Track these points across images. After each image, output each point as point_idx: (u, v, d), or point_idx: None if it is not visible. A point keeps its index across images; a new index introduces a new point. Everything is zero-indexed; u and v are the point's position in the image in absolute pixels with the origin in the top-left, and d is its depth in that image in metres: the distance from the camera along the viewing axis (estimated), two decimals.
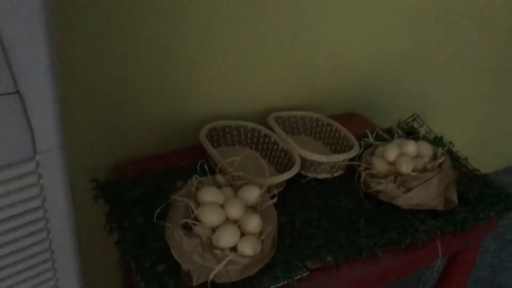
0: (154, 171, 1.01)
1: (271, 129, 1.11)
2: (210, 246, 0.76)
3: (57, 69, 0.48)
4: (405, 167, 0.97)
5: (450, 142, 1.19)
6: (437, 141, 1.18)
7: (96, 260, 1.15)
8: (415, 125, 1.26)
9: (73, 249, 0.59)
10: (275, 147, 1.08)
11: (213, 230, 0.79)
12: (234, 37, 1.08)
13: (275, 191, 0.97)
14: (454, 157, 1.18)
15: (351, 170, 1.07)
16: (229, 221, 0.80)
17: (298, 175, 1.03)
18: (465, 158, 1.19)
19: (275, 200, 0.87)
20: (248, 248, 0.76)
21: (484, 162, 1.38)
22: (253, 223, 0.79)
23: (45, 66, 0.45)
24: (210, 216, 0.78)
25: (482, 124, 1.91)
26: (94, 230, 0.96)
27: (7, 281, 0.53)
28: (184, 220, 0.78)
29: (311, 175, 1.05)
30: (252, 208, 0.85)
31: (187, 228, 0.79)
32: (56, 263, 0.56)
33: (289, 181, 1.00)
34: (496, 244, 1.71)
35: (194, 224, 0.78)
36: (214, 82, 1.12)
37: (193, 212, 0.80)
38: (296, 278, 0.82)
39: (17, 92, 0.45)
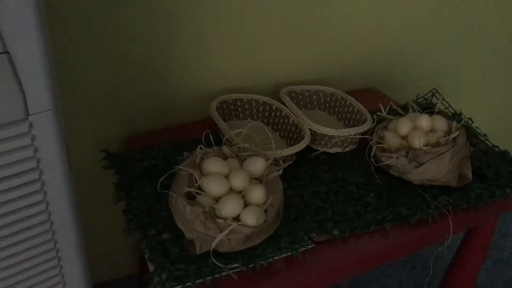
0: (164, 143, 1.02)
1: (284, 104, 1.10)
2: (213, 215, 0.76)
3: (47, 31, 0.48)
4: (418, 142, 0.95)
5: (469, 118, 1.15)
6: (456, 117, 1.14)
7: (104, 232, 1.18)
8: (434, 100, 1.23)
9: (73, 215, 0.60)
10: (286, 121, 1.07)
11: (217, 200, 0.79)
12: (247, 10, 1.07)
13: (285, 164, 0.97)
14: (472, 134, 1.15)
15: (363, 144, 1.05)
16: (233, 192, 0.80)
17: (309, 149, 1.02)
18: (485, 135, 1.15)
19: (280, 172, 0.86)
20: (251, 218, 0.76)
21: (508, 141, 1.34)
22: (257, 193, 0.79)
23: (34, 26, 0.45)
24: (213, 186, 0.78)
25: (506, 101, 1.84)
26: (105, 200, 0.98)
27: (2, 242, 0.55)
28: (187, 189, 0.78)
29: (322, 149, 1.04)
30: (257, 180, 0.85)
31: (191, 198, 0.79)
32: (55, 225, 0.57)
33: (300, 155, 1.00)
34: None
35: (198, 194, 0.78)
36: (226, 55, 1.11)
37: (196, 182, 0.80)
38: (300, 250, 0.82)
39: (6, 52, 0.45)
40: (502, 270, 1.49)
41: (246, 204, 0.79)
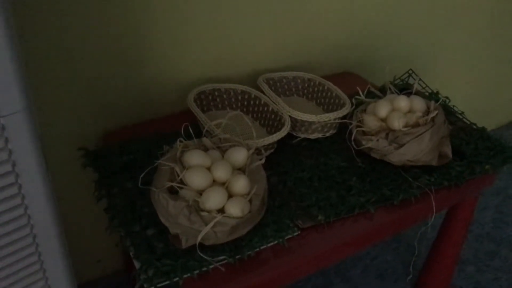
0: (143, 138, 1.00)
1: (262, 91, 1.09)
2: (197, 208, 0.76)
3: (14, 31, 0.46)
4: (397, 123, 0.95)
5: (446, 97, 1.16)
6: (433, 97, 1.15)
7: (89, 230, 1.16)
8: (411, 81, 1.23)
9: (53, 216, 0.58)
10: (266, 108, 1.07)
11: (200, 193, 0.78)
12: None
13: (266, 153, 0.96)
14: (450, 112, 1.16)
15: (343, 129, 1.05)
16: (216, 184, 0.79)
17: (290, 136, 1.02)
18: (462, 113, 1.17)
19: (263, 161, 0.85)
20: (236, 209, 0.76)
21: (486, 118, 1.36)
22: (240, 184, 0.79)
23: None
24: (196, 179, 0.77)
25: (482, 79, 1.86)
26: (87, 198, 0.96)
27: None
28: (169, 184, 0.77)
29: (303, 135, 1.04)
30: (240, 170, 0.84)
31: (173, 192, 0.78)
32: (35, 228, 0.56)
33: (281, 142, 0.99)
34: (498, 199, 1.70)
35: (180, 188, 0.77)
36: (202, 43, 1.09)
37: (178, 176, 0.79)
38: (286, 237, 0.82)
39: None
40: (483, 243, 1.52)
41: (230, 195, 0.79)
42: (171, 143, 0.87)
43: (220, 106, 1.11)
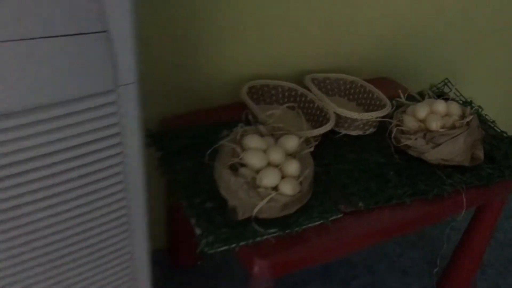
0: (198, 124, 1.11)
1: (308, 89, 1.18)
2: (254, 185, 0.85)
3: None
4: (434, 124, 1.04)
5: (479, 106, 1.24)
6: (466, 105, 1.23)
7: None
8: (446, 89, 1.31)
9: (143, 176, 0.68)
10: (311, 105, 1.16)
11: (257, 172, 0.87)
12: (276, 2, 1.15)
13: (312, 144, 1.05)
14: (482, 120, 1.23)
15: (382, 128, 1.13)
16: (271, 165, 0.89)
17: (333, 132, 1.11)
18: (493, 121, 1.24)
19: (312, 149, 0.94)
20: (288, 188, 0.85)
21: None
22: (292, 166, 0.88)
23: (129, 8, 0.53)
24: (254, 159, 0.87)
25: None
26: None
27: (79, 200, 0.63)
28: (231, 162, 0.86)
29: (344, 131, 1.13)
30: (291, 156, 0.93)
31: (233, 170, 0.88)
32: (129, 186, 0.66)
33: (324, 137, 1.08)
34: None
35: (240, 166, 0.87)
36: (255, 44, 1.19)
37: (238, 156, 0.88)
38: (330, 219, 0.90)
39: (105, 31, 0.53)
40: (505, 250, 1.59)
41: (283, 177, 0.88)
42: (225, 130, 0.96)
43: (268, 100, 1.21)
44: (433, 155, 1.03)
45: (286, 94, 1.20)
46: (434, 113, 1.07)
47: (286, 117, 1.11)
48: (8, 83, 0.51)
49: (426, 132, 1.05)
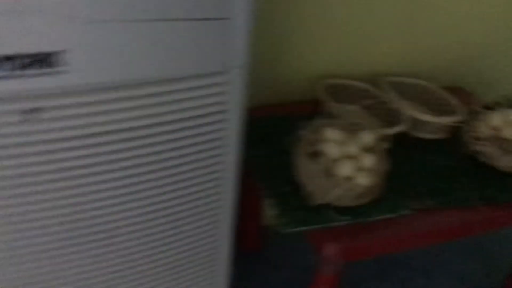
0: (277, 116, 1.18)
1: (380, 91, 1.22)
2: (330, 174, 0.91)
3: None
4: (508, 132, 1.05)
5: None
6: None
7: None
8: None
9: (237, 154, 0.76)
10: (384, 106, 1.20)
11: (333, 162, 0.93)
12: (355, 4, 1.21)
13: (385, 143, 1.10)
14: None
15: (453, 134, 1.16)
16: (348, 156, 0.94)
17: (404, 135, 1.15)
18: None
19: (387, 145, 0.99)
20: (363, 179, 0.90)
21: None
22: (369, 160, 0.93)
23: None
24: (332, 149, 0.92)
25: None
26: None
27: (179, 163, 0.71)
28: (310, 150, 0.92)
29: (416, 134, 1.16)
30: (366, 150, 0.98)
31: (311, 158, 0.94)
32: (225, 163, 0.74)
33: (396, 138, 1.12)
34: None
35: (318, 154, 0.93)
36: (333, 44, 1.25)
37: (317, 145, 0.94)
38: (400, 213, 0.94)
39: (228, 18, 0.61)
40: None
41: (358, 168, 0.93)
42: (303, 122, 1.02)
43: (343, 99, 1.26)
44: (505, 162, 1.05)
45: (361, 94, 1.25)
46: (508, 122, 1.08)
47: (360, 116, 1.16)
48: (141, 57, 0.59)
49: (498, 139, 1.07)
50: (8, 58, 0.49)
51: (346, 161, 0.92)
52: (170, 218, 0.78)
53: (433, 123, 1.13)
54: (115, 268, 0.76)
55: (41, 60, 0.51)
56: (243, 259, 1.41)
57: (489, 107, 1.20)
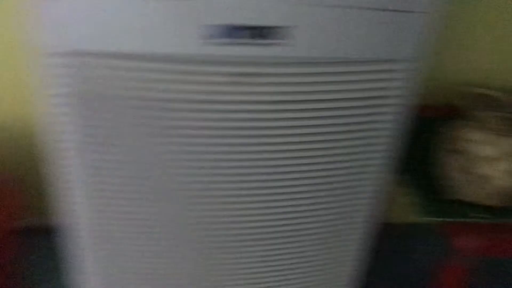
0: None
1: None
2: (472, 171, 0.95)
3: None
4: None
5: None
6: None
7: None
8: None
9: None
10: None
11: (476, 159, 0.97)
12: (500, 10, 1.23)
13: None
14: None
15: None
16: (490, 157, 0.98)
17: None
18: None
19: None
20: (505, 180, 0.93)
21: None
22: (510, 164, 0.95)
23: None
24: (475, 148, 0.96)
25: None
26: None
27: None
28: (453, 148, 0.97)
29: None
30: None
31: (455, 155, 0.98)
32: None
33: None
34: None
35: (461, 152, 0.97)
36: (478, 53, 1.28)
37: (460, 143, 0.99)
38: None
39: (425, 12, 0.69)
40: None
41: (500, 171, 0.96)
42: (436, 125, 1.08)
43: (481, 107, 1.28)
44: None
45: (500, 104, 1.26)
46: None
47: (501, 123, 1.17)
48: (345, 38, 0.68)
49: None
50: (250, 28, 0.62)
51: (490, 161, 0.95)
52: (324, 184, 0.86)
53: None
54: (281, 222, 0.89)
55: (271, 33, 0.64)
56: None
57: None
